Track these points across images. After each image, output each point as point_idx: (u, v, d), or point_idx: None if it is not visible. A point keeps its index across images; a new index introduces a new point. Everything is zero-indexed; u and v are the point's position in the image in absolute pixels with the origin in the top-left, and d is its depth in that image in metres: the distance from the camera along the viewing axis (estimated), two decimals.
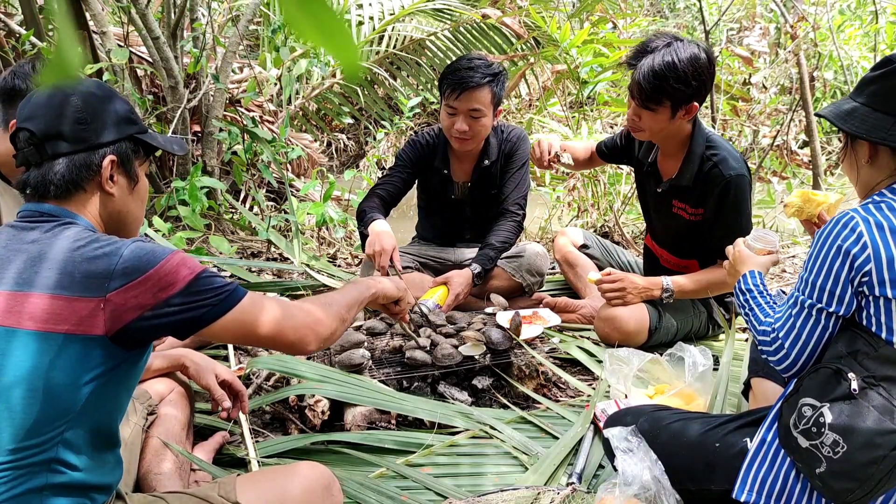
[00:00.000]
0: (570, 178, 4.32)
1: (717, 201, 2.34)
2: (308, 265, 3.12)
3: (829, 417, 1.30)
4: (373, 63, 5.17)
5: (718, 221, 2.36)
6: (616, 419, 1.80)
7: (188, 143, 3.67)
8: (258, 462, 1.75)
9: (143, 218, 1.39)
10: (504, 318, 2.29)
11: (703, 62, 2.19)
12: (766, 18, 6.44)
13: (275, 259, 3.56)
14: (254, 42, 5.87)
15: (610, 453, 1.72)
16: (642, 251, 2.90)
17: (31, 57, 2.62)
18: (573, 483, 1.72)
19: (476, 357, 2.18)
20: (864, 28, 6.84)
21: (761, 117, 5.05)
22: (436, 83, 4.38)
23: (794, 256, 3.77)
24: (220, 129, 3.76)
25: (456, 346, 2.17)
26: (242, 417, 1.85)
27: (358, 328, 2.37)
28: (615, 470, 1.64)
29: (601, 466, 1.84)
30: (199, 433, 1.87)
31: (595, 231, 4.09)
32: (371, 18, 5.24)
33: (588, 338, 2.58)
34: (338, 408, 2.02)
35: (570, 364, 2.46)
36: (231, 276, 3.00)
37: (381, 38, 5.29)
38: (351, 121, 5.60)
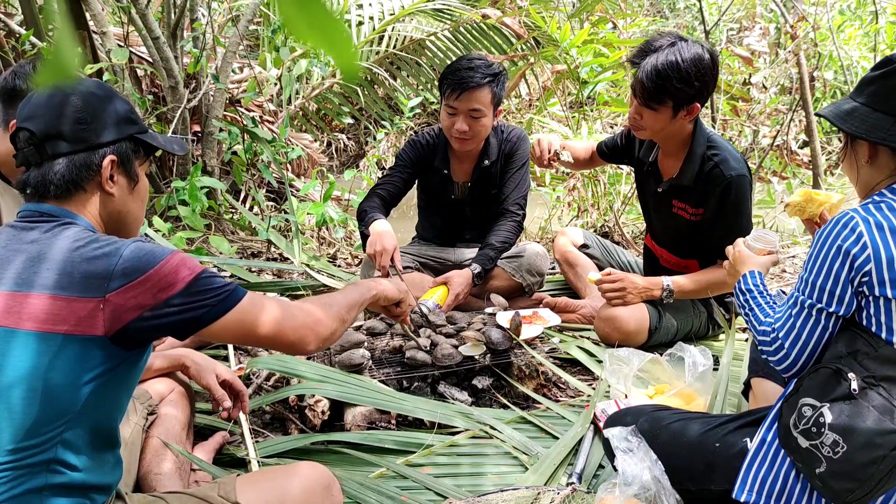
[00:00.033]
0: (570, 178, 4.32)
1: (717, 201, 2.33)
2: (308, 265, 3.12)
3: (829, 417, 1.30)
4: (373, 63, 5.17)
5: (719, 221, 2.36)
6: (616, 419, 1.80)
7: (188, 143, 3.67)
8: (258, 462, 1.75)
9: (144, 218, 1.39)
10: (504, 318, 2.29)
11: (707, 63, 2.19)
12: (766, 18, 6.44)
13: (275, 259, 3.56)
14: (254, 42, 5.87)
15: (610, 453, 1.72)
16: (642, 251, 2.90)
17: (32, 57, 2.62)
18: (573, 483, 1.72)
19: (476, 357, 2.18)
20: (864, 28, 6.84)
21: (761, 117, 5.05)
22: (436, 83, 4.38)
23: (794, 256, 3.77)
24: (220, 129, 3.77)
25: (456, 346, 2.17)
26: (242, 417, 1.85)
27: (358, 328, 2.37)
28: (615, 470, 1.64)
29: (601, 466, 1.84)
30: (199, 433, 1.87)
31: (595, 231, 4.09)
32: (371, 18, 5.24)
33: (588, 338, 2.58)
34: (338, 408, 2.02)
35: (570, 364, 2.46)
36: (231, 276, 3.00)
37: (381, 38, 5.29)
38: (351, 121, 5.60)
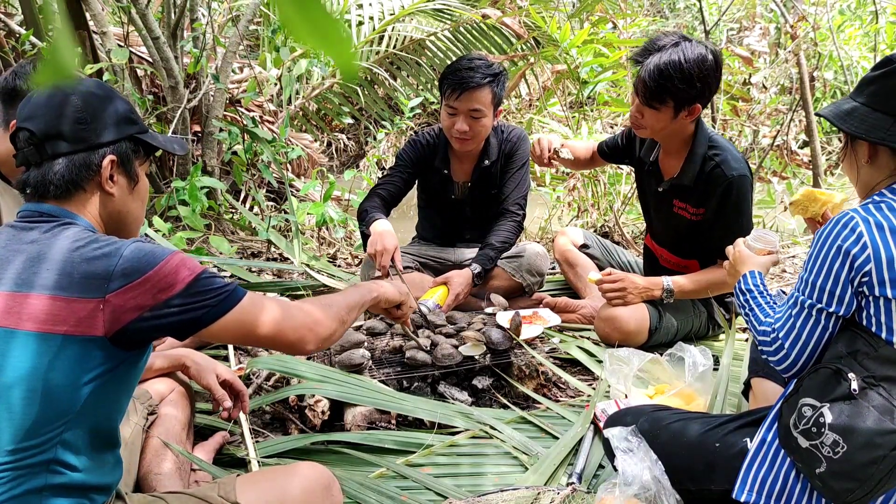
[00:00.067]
0: (570, 178, 4.33)
1: (718, 201, 2.33)
2: (308, 265, 3.12)
3: (829, 417, 1.30)
4: (373, 63, 5.17)
5: (719, 222, 2.36)
6: (616, 419, 1.79)
7: (188, 143, 3.67)
8: (258, 462, 1.75)
9: (144, 218, 1.38)
10: (504, 318, 2.29)
11: (710, 64, 2.18)
12: (766, 18, 6.44)
13: (275, 259, 3.56)
14: (254, 42, 5.88)
15: (610, 453, 1.72)
16: (642, 251, 2.90)
17: (33, 57, 2.63)
18: (573, 483, 1.72)
19: (476, 357, 2.18)
20: (864, 28, 6.84)
21: (761, 117, 5.05)
22: (436, 83, 4.38)
23: (794, 256, 3.77)
24: (220, 129, 3.77)
25: (456, 346, 2.17)
26: (242, 417, 1.85)
27: (358, 328, 2.37)
28: (615, 470, 1.63)
29: (601, 466, 1.84)
30: (199, 433, 1.87)
31: (595, 231, 4.09)
32: (371, 18, 5.24)
33: (588, 338, 2.58)
34: (338, 408, 2.02)
35: (570, 364, 2.46)
36: (231, 276, 3.00)
37: (381, 38, 5.29)
38: (351, 121, 5.60)
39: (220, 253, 3.11)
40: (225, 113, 3.96)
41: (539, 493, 1.65)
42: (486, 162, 2.79)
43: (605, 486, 1.58)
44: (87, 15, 3.37)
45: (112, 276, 1.09)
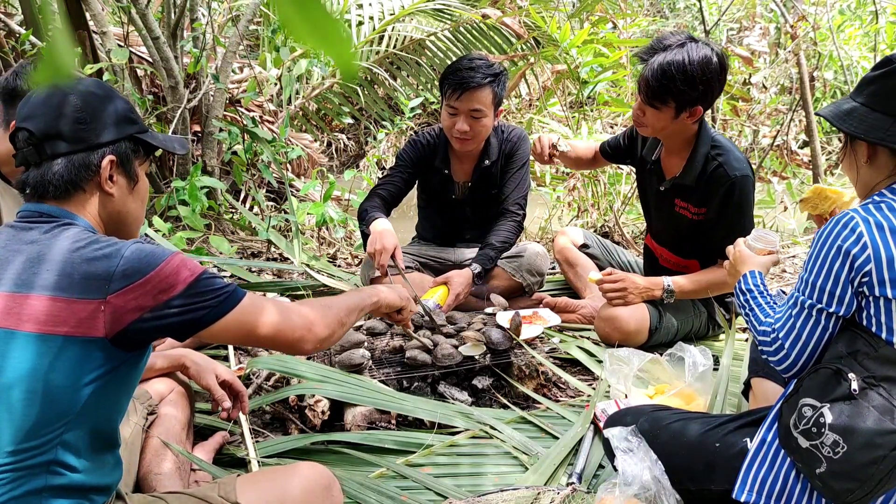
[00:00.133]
0: (570, 178, 4.33)
1: (720, 201, 2.33)
2: (308, 265, 3.12)
3: (829, 418, 1.30)
4: (373, 63, 5.17)
5: (721, 222, 2.36)
6: (616, 419, 1.79)
7: (188, 142, 3.67)
8: (258, 462, 1.75)
9: (144, 218, 1.38)
10: (504, 318, 2.29)
11: (714, 67, 2.17)
12: (766, 18, 6.43)
13: (275, 259, 3.56)
14: (254, 42, 5.88)
15: (610, 453, 1.72)
16: (642, 251, 2.90)
17: (33, 57, 2.63)
18: (573, 483, 1.72)
19: (476, 357, 2.18)
20: (864, 28, 6.84)
21: (761, 117, 5.05)
22: (436, 83, 4.37)
23: (794, 256, 3.77)
24: (220, 129, 3.77)
25: (456, 346, 2.16)
26: (242, 417, 1.85)
27: (358, 328, 2.37)
28: (615, 470, 1.63)
29: (601, 466, 1.84)
30: (199, 433, 1.87)
31: (595, 231, 4.09)
32: (371, 18, 5.24)
33: (588, 338, 2.58)
34: (338, 408, 2.02)
35: (570, 364, 2.46)
36: (231, 276, 3.00)
37: (381, 38, 5.29)
38: (351, 121, 5.60)
39: (220, 253, 3.11)
40: (225, 113, 3.96)
41: (539, 493, 1.65)
42: (487, 162, 2.79)
43: (605, 486, 1.58)
44: (87, 15, 3.37)
45: (113, 277, 1.09)
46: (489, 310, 2.45)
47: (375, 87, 5.43)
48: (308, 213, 3.53)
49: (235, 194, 4.21)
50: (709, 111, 4.29)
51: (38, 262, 1.10)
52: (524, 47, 4.74)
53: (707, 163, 2.34)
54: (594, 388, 2.25)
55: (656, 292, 2.49)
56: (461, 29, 4.98)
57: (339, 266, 3.63)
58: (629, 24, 6.09)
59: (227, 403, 1.68)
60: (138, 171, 1.29)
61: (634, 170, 2.81)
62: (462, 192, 2.90)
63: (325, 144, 6.07)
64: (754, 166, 4.37)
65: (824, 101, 6.60)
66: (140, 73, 4.05)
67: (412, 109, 4.12)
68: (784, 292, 1.78)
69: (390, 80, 5.27)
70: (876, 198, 1.40)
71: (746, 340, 2.54)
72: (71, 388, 1.08)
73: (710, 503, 1.56)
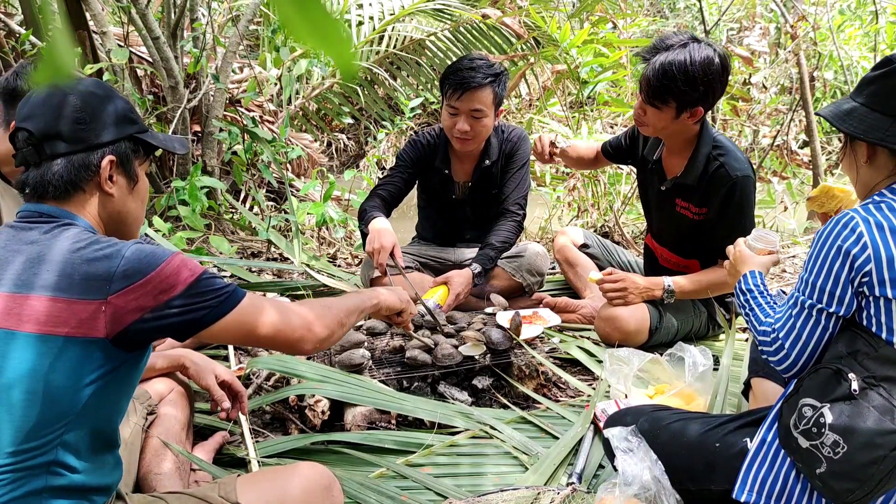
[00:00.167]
0: (570, 178, 4.33)
1: (721, 201, 2.33)
2: (308, 265, 3.12)
3: (829, 418, 1.30)
4: (373, 63, 5.17)
5: (722, 222, 2.36)
6: (616, 419, 1.79)
7: (188, 142, 3.67)
8: (258, 462, 1.75)
9: (144, 218, 1.38)
10: (504, 318, 2.29)
11: (716, 68, 2.17)
12: (766, 18, 6.43)
13: (275, 259, 3.56)
14: (254, 42, 5.88)
15: (610, 453, 1.72)
16: (642, 251, 2.90)
17: (34, 57, 2.63)
18: (573, 483, 1.72)
19: (476, 357, 2.18)
20: (864, 28, 6.84)
21: (761, 117, 5.05)
22: (436, 83, 4.38)
23: (794, 256, 3.77)
24: (220, 129, 3.77)
25: (456, 346, 2.16)
26: (242, 417, 1.85)
27: (358, 328, 2.37)
28: (615, 470, 1.63)
29: (601, 466, 1.84)
30: (199, 433, 1.87)
31: (595, 231, 4.09)
32: (371, 18, 5.24)
33: (588, 338, 2.58)
34: (338, 408, 2.02)
35: (570, 364, 2.46)
36: (231, 276, 3.00)
37: (381, 38, 5.29)
38: (351, 121, 5.60)
39: (220, 253, 3.11)
40: (225, 113, 3.96)
41: (539, 493, 1.65)
42: (487, 162, 2.79)
43: (605, 486, 1.58)
44: (87, 15, 3.37)
45: (113, 278, 1.09)
46: (489, 310, 2.45)
47: (375, 87, 5.43)
48: (308, 213, 3.53)
49: (235, 194, 4.21)
50: (709, 112, 4.31)
51: (38, 263, 1.10)
52: (524, 47, 4.74)
53: (708, 163, 2.34)
54: (594, 388, 2.25)
55: (656, 292, 2.49)
56: (461, 29, 4.98)
57: (339, 266, 3.63)
58: (629, 24, 6.09)
59: (227, 404, 1.68)
60: (138, 171, 1.29)
61: (635, 169, 2.81)
62: (462, 192, 2.90)
63: (325, 144, 6.07)
64: (754, 166, 4.36)
65: (824, 101, 6.60)
66: (140, 73, 4.05)
67: (412, 109, 4.12)
68: (784, 292, 1.78)
69: (390, 80, 5.27)
70: (876, 198, 1.40)
71: (746, 340, 2.54)
72: (71, 389, 1.08)
73: (710, 503, 1.56)
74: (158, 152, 3.23)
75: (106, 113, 1.22)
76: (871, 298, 1.34)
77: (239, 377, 1.76)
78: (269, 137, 3.70)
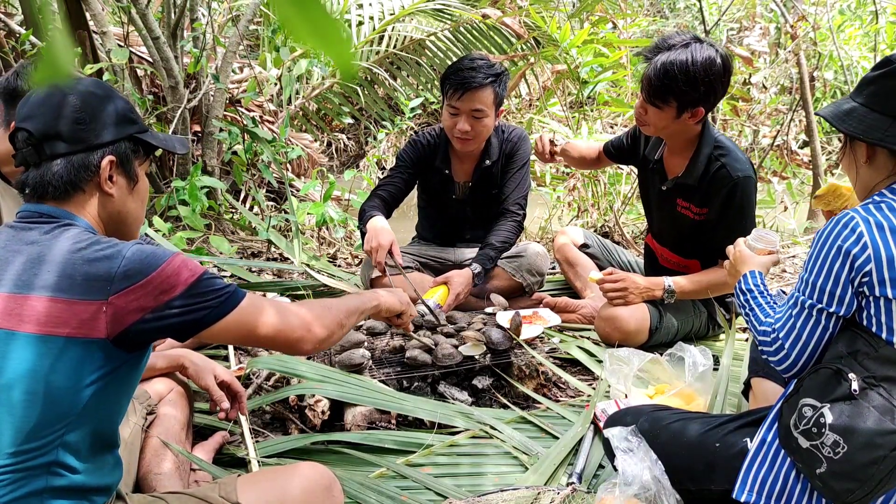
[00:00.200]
0: (570, 178, 4.33)
1: (722, 202, 2.33)
2: (308, 265, 3.12)
3: (829, 418, 1.30)
4: (373, 63, 5.17)
5: (723, 222, 2.36)
6: (616, 419, 1.79)
7: (188, 142, 3.66)
8: (258, 462, 1.75)
9: (144, 218, 1.38)
10: (504, 318, 2.29)
11: (717, 69, 2.17)
12: (766, 18, 6.43)
13: (275, 259, 3.56)
14: (254, 42, 5.88)
15: (610, 453, 1.72)
16: (643, 251, 2.90)
17: (34, 57, 2.63)
18: (573, 483, 1.72)
19: (476, 357, 2.18)
20: (864, 28, 6.84)
21: (761, 117, 5.05)
22: (436, 83, 4.38)
23: (794, 256, 3.77)
24: (220, 129, 3.77)
25: (456, 346, 2.17)
26: (242, 417, 1.85)
27: (358, 328, 2.37)
28: (615, 470, 1.63)
29: (601, 466, 1.84)
30: (199, 433, 1.87)
31: (595, 231, 4.09)
32: (371, 18, 5.24)
33: (588, 338, 2.58)
34: (338, 408, 2.02)
35: (570, 364, 2.46)
36: (231, 276, 3.00)
37: (381, 38, 5.29)
38: (351, 121, 5.60)
39: (221, 253, 3.11)
40: (225, 113, 3.96)
41: (539, 493, 1.65)
42: (487, 162, 2.79)
43: (605, 486, 1.58)
44: (87, 15, 3.37)
45: (114, 278, 1.09)
46: (489, 310, 2.45)
47: (375, 87, 5.43)
48: (308, 213, 3.53)
49: (235, 194, 4.21)
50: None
51: (38, 263, 1.10)
52: (524, 47, 4.74)
53: (710, 163, 2.34)
54: (594, 388, 2.25)
55: (657, 292, 2.49)
56: (461, 29, 4.98)
57: (339, 266, 3.63)
58: (629, 25, 6.09)
59: (226, 404, 1.68)
60: (138, 171, 1.29)
61: (636, 169, 2.81)
62: (462, 192, 2.90)
63: (325, 144, 6.07)
64: (755, 166, 4.36)
65: (824, 101, 6.60)
66: (140, 73, 4.05)
67: (412, 109, 4.12)
68: (784, 292, 1.78)
69: (390, 80, 5.27)
70: (876, 198, 1.40)
71: (746, 340, 2.54)
72: (72, 390, 1.08)
73: (710, 503, 1.56)
74: (158, 152, 3.23)
75: (106, 113, 1.22)
76: (871, 298, 1.34)
77: (239, 377, 1.76)
78: (269, 137, 3.70)
